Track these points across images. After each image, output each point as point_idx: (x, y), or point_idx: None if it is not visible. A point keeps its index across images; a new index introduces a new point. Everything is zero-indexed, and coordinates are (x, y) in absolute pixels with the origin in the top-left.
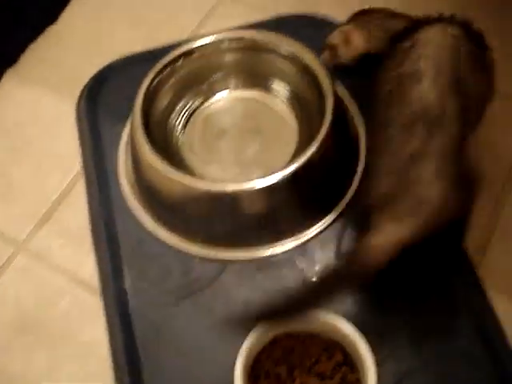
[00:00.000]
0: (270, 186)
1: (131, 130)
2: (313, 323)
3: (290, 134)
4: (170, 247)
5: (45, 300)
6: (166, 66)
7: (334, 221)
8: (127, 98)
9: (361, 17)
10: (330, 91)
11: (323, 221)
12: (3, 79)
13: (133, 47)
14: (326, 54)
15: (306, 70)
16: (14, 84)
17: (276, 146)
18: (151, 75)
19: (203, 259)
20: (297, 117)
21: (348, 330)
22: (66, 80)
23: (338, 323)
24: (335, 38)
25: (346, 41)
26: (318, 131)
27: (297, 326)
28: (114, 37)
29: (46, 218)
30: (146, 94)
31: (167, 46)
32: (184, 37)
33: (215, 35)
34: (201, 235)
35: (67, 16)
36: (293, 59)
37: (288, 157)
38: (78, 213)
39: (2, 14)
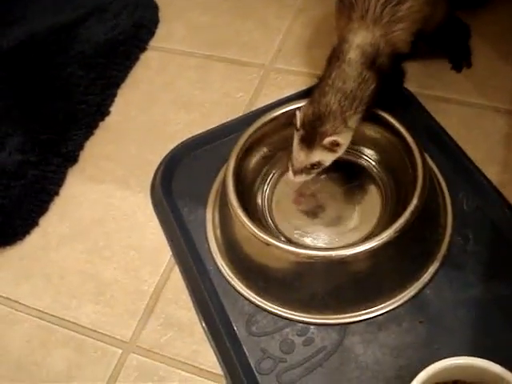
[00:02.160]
0: (380, 245)
1: (229, 210)
2: (481, 373)
3: (376, 196)
4: (284, 320)
5: None
6: (246, 145)
7: (440, 266)
8: (199, 178)
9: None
10: (418, 152)
11: (431, 268)
12: (68, 180)
13: (190, 129)
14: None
15: (393, 136)
16: (79, 183)
17: (365, 208)
18: (236, 153)
19: (321, 326)
20: (381, 178)
21: None
22: (130, 171)
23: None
24: (316, 156)
25: (332, 146)
26: (413, 191)
27: (463, 374)
28: (169, 122)
29: (148, 312)
30: (234, 174)
31: (225, 124)
32: (239, 114)
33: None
34: (316, 302)
35: (118, 107)
36: (381, 125)
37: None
38: (179, 301)
39: (56, 115)
